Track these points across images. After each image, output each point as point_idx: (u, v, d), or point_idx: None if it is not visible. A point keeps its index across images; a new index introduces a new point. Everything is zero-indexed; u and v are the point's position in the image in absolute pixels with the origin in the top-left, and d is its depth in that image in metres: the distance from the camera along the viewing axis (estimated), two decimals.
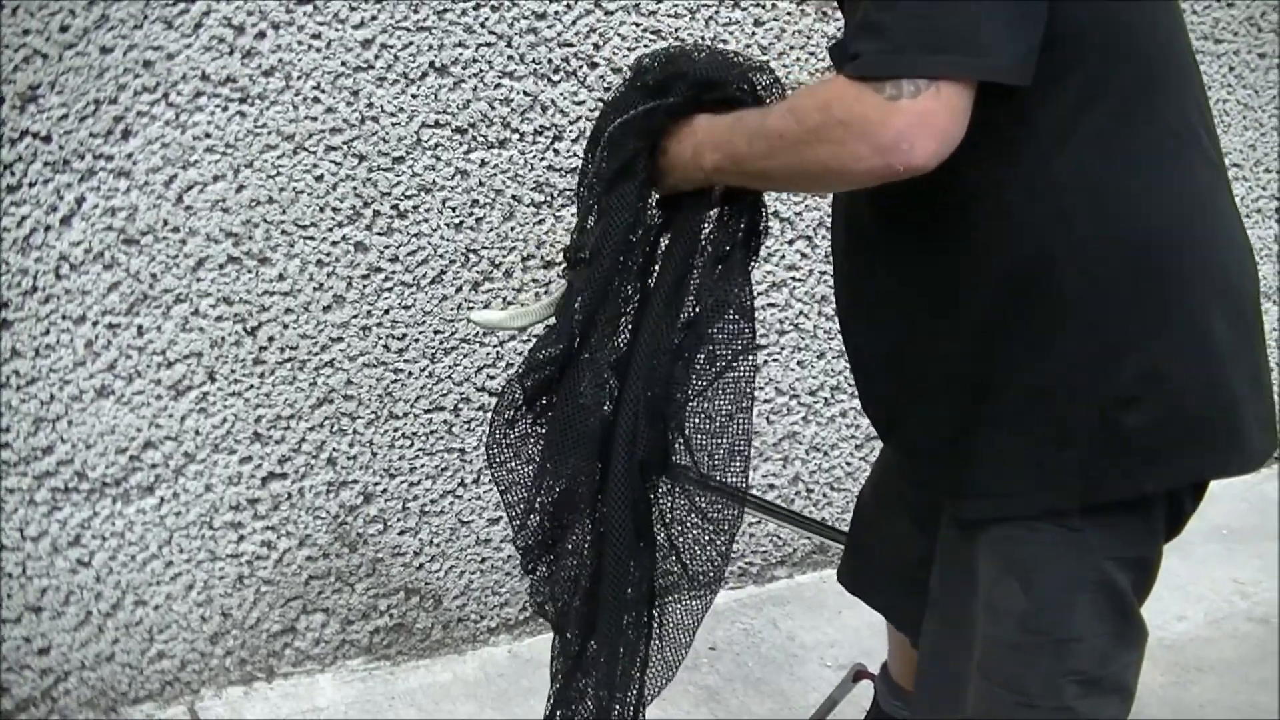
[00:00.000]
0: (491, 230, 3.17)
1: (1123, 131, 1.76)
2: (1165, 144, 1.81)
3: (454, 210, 3.14)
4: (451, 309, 3.19)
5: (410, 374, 3.21)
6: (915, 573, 2.22)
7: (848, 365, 2.21)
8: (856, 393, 2.22)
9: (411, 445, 3.27)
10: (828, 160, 1.67)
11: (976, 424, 1.92)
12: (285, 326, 3.04)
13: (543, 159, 3.19)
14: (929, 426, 2.00)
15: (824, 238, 3.57)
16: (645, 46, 3.22)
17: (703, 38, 3.29)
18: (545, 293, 2.21)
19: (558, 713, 2.27)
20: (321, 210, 3.00)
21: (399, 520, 3.31)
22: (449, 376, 3.25)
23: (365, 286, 3.10)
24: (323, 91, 2.93)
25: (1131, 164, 1.77)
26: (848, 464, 3.88)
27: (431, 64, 3.02)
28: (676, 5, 3.29)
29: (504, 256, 3.21)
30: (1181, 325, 1.82)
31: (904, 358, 1.96)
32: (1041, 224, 1.76)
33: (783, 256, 3.57)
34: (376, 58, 2.96)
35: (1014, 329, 1.83)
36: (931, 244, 1.85)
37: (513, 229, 3.20)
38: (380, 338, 3.14)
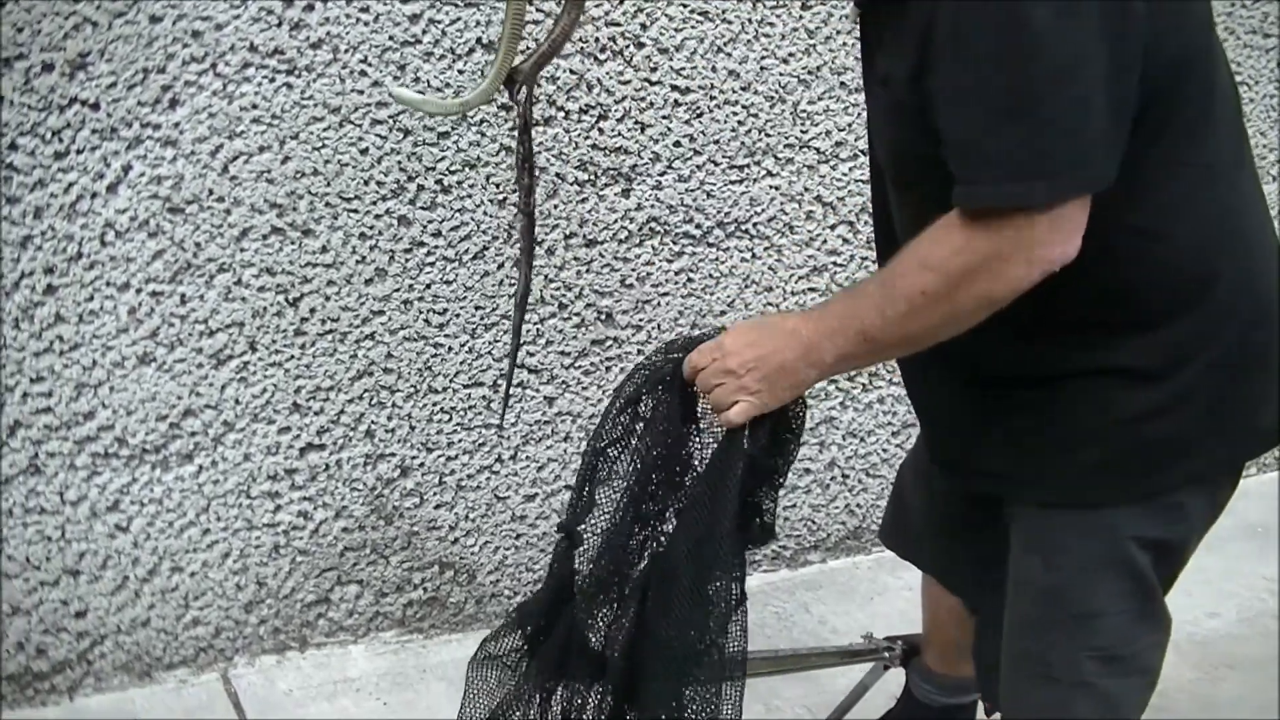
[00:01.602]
0: (536, 209, 3.17)
1: (1174, 169, 1.79)
2: (1211, 173, 1.84)
3: (498, 186, 3.14)
4: (494, 285, 3.19)
5: (450, 349, 3.21)
6: (954, 532, 2.33)
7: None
8: (896, 380, 2.26)
9: (450, 420, 3.27)
10: (988, 294, 1.70)
11: (1003, 415, 1.98)
12: (327, 299, 3.05)
13: (587, 138, 3.19)
14: (958, 414, 2.04)
15: (865, 223, 3.56)
16: (693, 27, 3.21)
17: (749, 20, 3.28)
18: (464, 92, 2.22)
19: None
20: (366, 183, 3.01)
21: (435, 494, 3.32)
22: (489, 352, 3.26)
23: (408, 260, 3.10)
24: (370, 65, 2.94)
25: (1179, 202, 1.81)
26: (884, 450, 3.87)
27: (478, 40, 3.02)
28: None
29: (547, 234, 3.21)
30: (1220, 346, 1.86)
31: (946, 352, 1.94)
32: (1105, 261, 1.77)
33: (824, 241, 3.56)
34: (424, 32, 2.96)
35: (1059, 341, 1.87)
36: None
37: (556, 206, 3.20)
38: (421, 312, 3.14)
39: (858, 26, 2.10)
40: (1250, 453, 2.03)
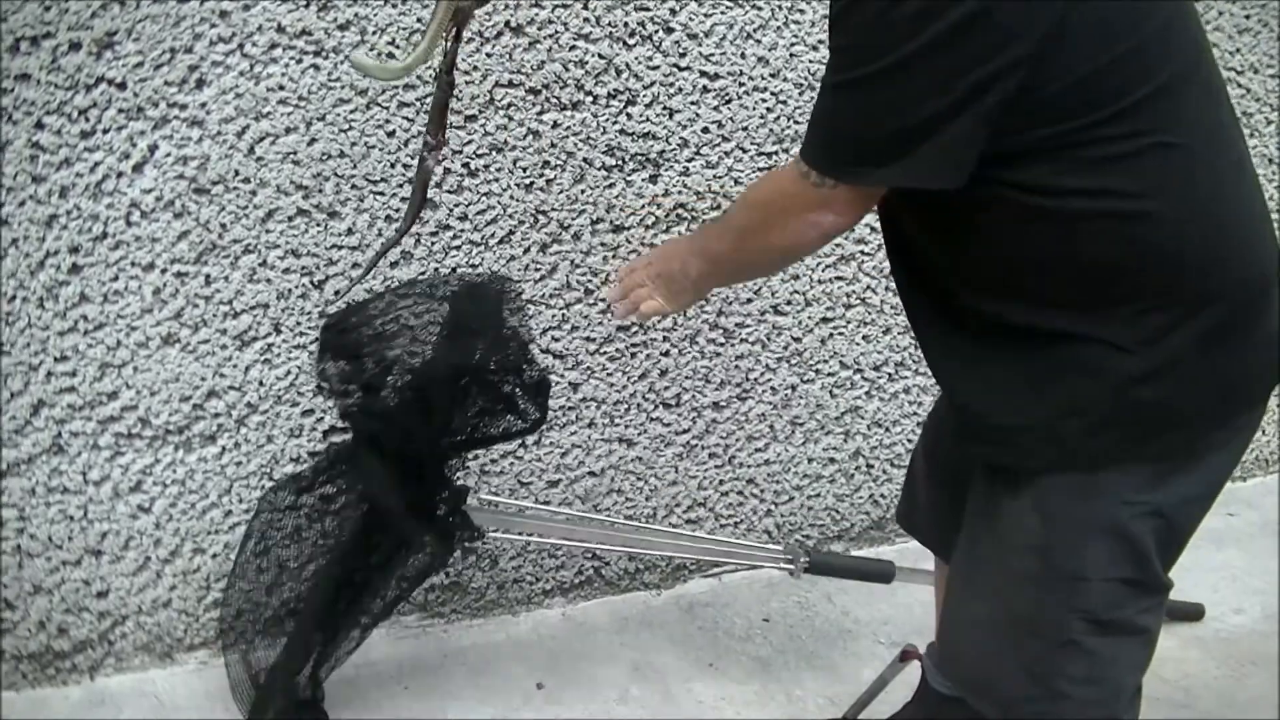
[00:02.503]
0: (561, 192, 3.16)
1: (1147, 149, 1.84)
2: (1189, 155, 1.88)
3: (524, 170, 3.13)
4: (519, 270, 3.18)
5: None
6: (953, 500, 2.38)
7: (914, 341, 2.30)
8: (922, 370, 2.33)
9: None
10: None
11: (1006, 379, 2.03)
12: (352, 281, 3.04)
13: (615, 123, 3.18)
14: (966, 377, 2.12)
15: None
16: (722, 13, 3.20)
17: (779, 6, 3.26)
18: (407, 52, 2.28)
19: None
20: (392, 166, 3.00)
21: (458, 479, 3.31)
22: None
23: (433, 244, 3.09)
24: (397, 47, 2.92)
25: (1154, 181, 1.86)
26: (909, 440, 3.85)
27: (507, 23, 3.00)
28: None
29: (573, 219, 3.20)
30: (1205, 319, 1.90)
31: (953, 322, 2.08)
32: (1109, 236, 1.87)
33: (852, 230, 3.54)
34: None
35: (1048, 310, 1.93)
36: (1022, 238, 1.92)
37: (583, 192, 3.19)
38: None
39: None
40: (1237, 414, 2.06)
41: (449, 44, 2.29)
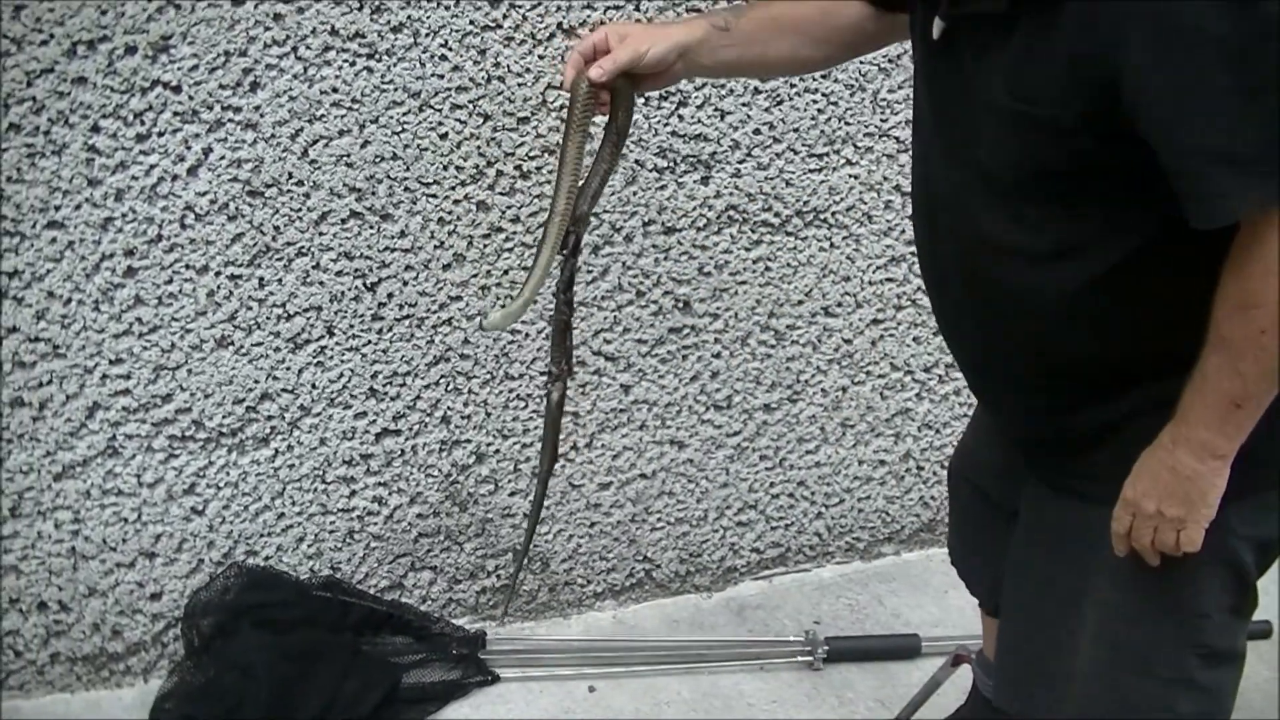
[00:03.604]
0: (613, 194, 3.15)
1: None
2: None
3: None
4: None
5: (527, 335, 3.20)
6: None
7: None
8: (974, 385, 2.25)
9: (525, 407, 3.26)
10: None
11: (1120, 423, 1.96)
12: (405, 283, 3.04)
13: (666, 124, 3.17)
14: (1064, 413, 2.01)
15: None
16: None
17: None
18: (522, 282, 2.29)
19: None
20: (445, 168, 3.00)
21: (510, 481, 3.31)
22: None
23: (486, 246, 3.09)
24: (450, 49, 2.92)
25: None
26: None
27: (559, 25, 3.00)
28: None
29: (625, 221, 3.19)
30: None
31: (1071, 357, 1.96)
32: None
33: (903, 230, 3.53)
34: (504, 17, 2.94)
35: (1182, 345, 1.83)
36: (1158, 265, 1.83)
37: (635, 194, 3.18)
38: (499, 298, 3.13)
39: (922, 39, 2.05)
40: None
41: (564, 260, 2.19)
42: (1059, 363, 1.96)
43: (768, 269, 3.40)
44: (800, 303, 3.47)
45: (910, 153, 2.20)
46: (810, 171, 3.36)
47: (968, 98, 1.88)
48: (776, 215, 3.36)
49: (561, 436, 3.23)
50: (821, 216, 3.42)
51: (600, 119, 2.17)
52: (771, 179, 3.32)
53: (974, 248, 1.96)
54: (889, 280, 3.57)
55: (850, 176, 3.41)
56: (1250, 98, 1.58)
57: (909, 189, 3.44)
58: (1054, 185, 1.80)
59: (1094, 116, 1.68)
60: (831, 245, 3.45)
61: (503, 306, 2.16)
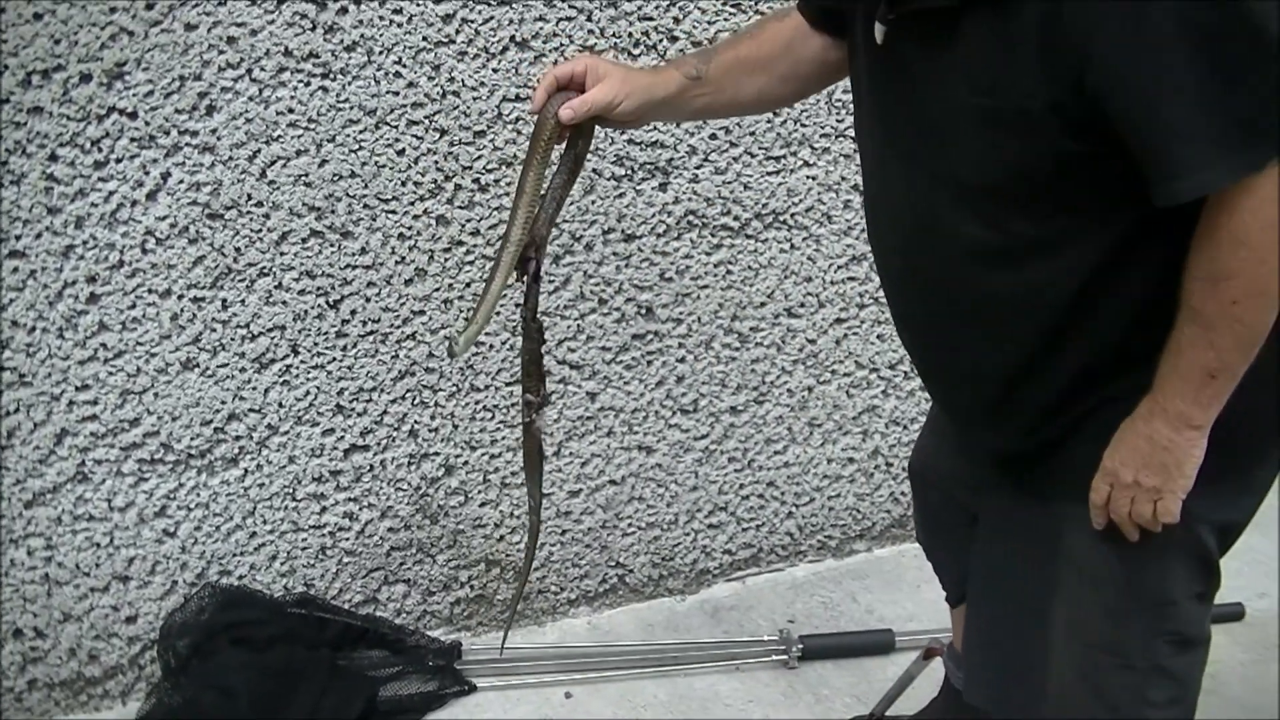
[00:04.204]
0: (572, 204, 3.17)
1: None
2: None
3: None
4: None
5: (491, 346, 3.22)
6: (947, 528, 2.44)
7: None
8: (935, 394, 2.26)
9: (492, 418, 3.28)
10: None
11: (1088, 415, 1.97)
12: (367, 300, 3.06)
13: (623, 132, 3.18)
14: (1034, 425, 2.03)
15: None
16: (725, 19, 3.21)
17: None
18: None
19: None
20: (403, 184, 3.02)
21: (480, 492, 3.33)
22: None
23: (447, 260, 3.11)
24: (404, 66, 2.94)
25: None
26: None
27: (512, 38, 3.02)
28: None
29: (585, 229, 3.21)
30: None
31: (1038, 366, 1.97)
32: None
33: (862, 229, 3.53)
34: (457, 32, 2.96)
35: (1146, 340, 1.86)
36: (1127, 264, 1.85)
37: (593, 202, 3.20)
38: (462, 310, 3.15)
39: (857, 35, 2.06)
40: None
41: (527, 286, 2.18)
42: (1032, 366, 1.97)
43: (729, 272, 3.42)
44: (763, 305, 3.49)
45: (860, 166, 2.20)
46: (768, 174, 3.38)
47: (923, 102, 1.88)
48: (736, 219, 3.38)
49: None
50: (781, 218, 3.44)
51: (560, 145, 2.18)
52: (730, 183, 3.34)
53: (947, 257, 1.96)
54: (851, 279, 3.59)
55: (808, 178, 3.43)
56: (1213, 73, 1.60)
57: None
58: (1026, 184, 1.80)
59: (1062, 106, 1.69)
60: (792, 246, 3.47)
61: (459, 332, 2.16)
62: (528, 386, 2.22)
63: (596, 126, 2.19)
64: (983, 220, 1.88)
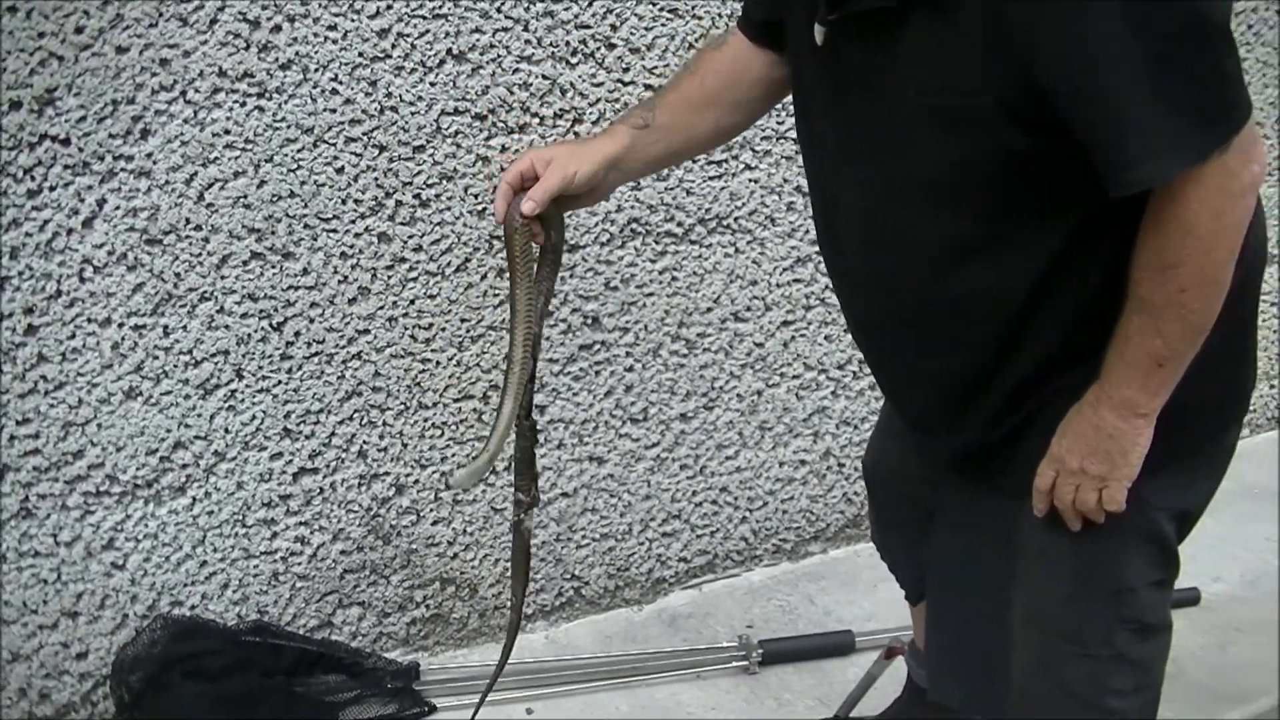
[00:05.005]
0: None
1: None
2: None
3: (476, 197, 3.11)
4: (477, 296, 3.17)
5: (438, 363, 3.19)
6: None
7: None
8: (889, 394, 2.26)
9: (442, 435, 3.25)
10: (1238, 224, 1.73)
11: (1040, 408, 1.98)
12: (311, 321, 3.02)
13: (563, 142, 3.16)
14: (992, 423, 2.03)
15: None
16: (663, 25, 3.20)
17: (719, 15, 3.26)
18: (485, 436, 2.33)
19: None
20: (344, 202, 2.98)
21: (432, 510, 3.30)
22: (477, 364, 3.23)
23: (390, 277, 3.07)
24: (340, 83, 2.90)
25: None
26: None
27: (449, 51, 2.99)
28: None
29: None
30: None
31: (994, 367, 1.98)
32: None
33: (807, 231, 3.55)
34: (393, 47, 2.93)
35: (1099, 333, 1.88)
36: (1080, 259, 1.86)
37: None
38: (407, 328, 3.12)
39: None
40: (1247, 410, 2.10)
41: (525, 384, 2.20)
42: (989, 364, 1.97)
43: (674, 279, 3.40)
44: (709, 310, 3.48)
45: (805, 173, 2.19)
46: (710, 179, 3.36)
47: (870, 103, 1.88)
48: (679, 225, 3.37)
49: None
50: (724, 223, 3.43)
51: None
52: (672, 189, 3.32)
53: (902, 258, 1.96)
54: (796, 281, 3.58)
55: (751, 181, 3.42)
56: (1160, 62, 1.60)
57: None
58: (977, 182, 1.81)
59: (1009, 102, 1.70)
60: (737, 250, 3.46)
61: (469, 462, 2.16)
62: (519, 486, 2.30)
63: (567, 213, 2.19)
64: (935, 219, 1.88)
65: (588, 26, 3.12)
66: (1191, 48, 1.62)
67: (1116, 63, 1.61)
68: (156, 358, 2.90)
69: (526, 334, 2.15)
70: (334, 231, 2.99)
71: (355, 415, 3.14)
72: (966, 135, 1.76)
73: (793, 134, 3.40)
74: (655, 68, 3.22)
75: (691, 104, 2.21)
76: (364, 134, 2.96)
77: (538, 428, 2.28)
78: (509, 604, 2.47)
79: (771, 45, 2.18)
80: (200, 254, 2.88)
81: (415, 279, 3.10)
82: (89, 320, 2.82)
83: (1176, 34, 1.60)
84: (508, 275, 2.16)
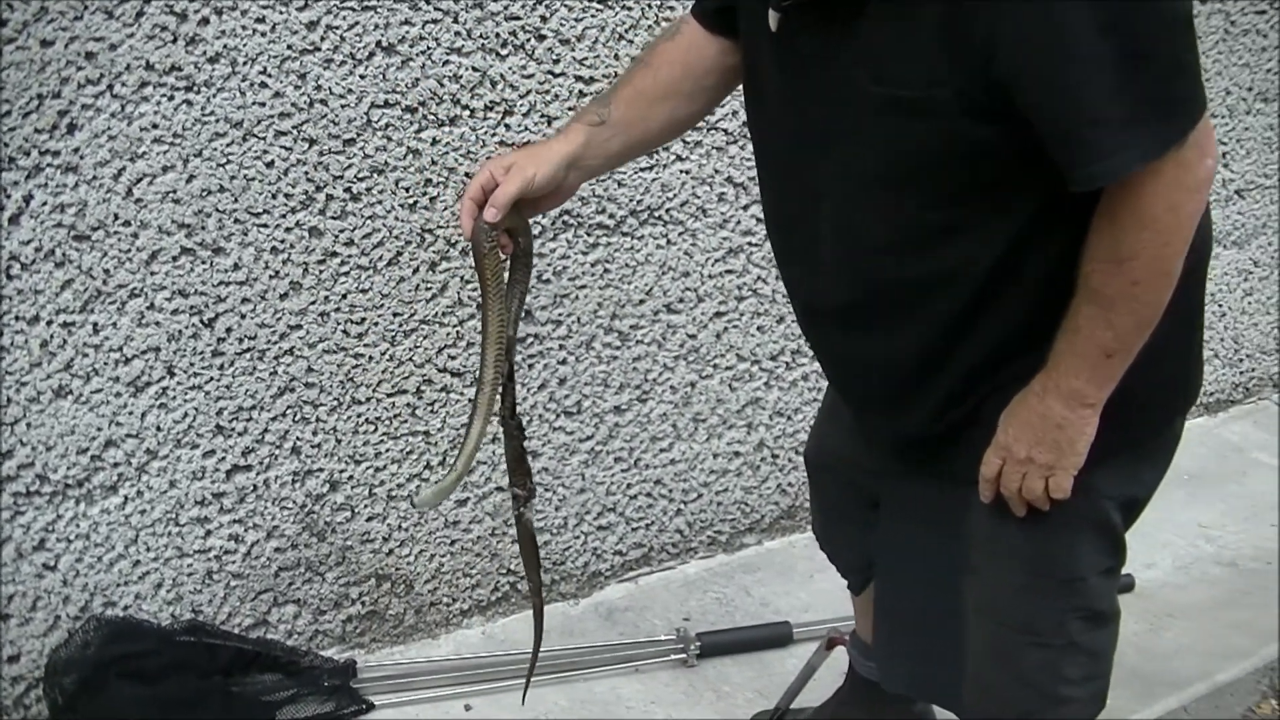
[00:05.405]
0: (446, 209, 3.13)
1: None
2: None
3: (407, 190, 3.10)
4: (409, 290, 3.15)
5: (371, 358, 3.17)
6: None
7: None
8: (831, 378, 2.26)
9: (375, 430, 3.23)
10: (1193, 215, 1.76)
11: (989, 396, 1.99)
12: (243, 316, 2.99)
13: (494, 134, 3.16)
14: (942, 409, 2.04)
15: None
16: (593, 16, 3.19)
17: (649, 5, 3.26)
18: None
19: None
20: (274, 197, 2.96)
21: (366, 507, 3.28)
22: (410, 359, 3.22)
23: (321, 272, 3.05)
24: (269, 76, 2.88)
25: None
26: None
27: (378, 43, 2.97)
28: None
29: (460, 235, 3.17)
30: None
31: (944, 352, 1.99)
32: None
33: (739, 222, 3.56)
34: (322, 39, 2.91)
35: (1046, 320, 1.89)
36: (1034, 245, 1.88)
37: None
38: (339, 323, 3.10)
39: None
40: (1195, 401, 2.13)
41: (503, 386, 2.19)
42: (941, 352, 1.99)
43: (606, 271, 3.40)
44: (642, 302, 3.48)
45: (756, 159, 2.19)
46: (641, 170, 3.36)
47: (826, 92, 1.88)
48: (611, 216, 3.36)
49: (414, 457, 3.22)
50: (656, 214, 3.43)
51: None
52: (603, 180, 3.32)
53: (858, 246, 1.97)
54: (729, 272, 3.59)
55: (682, 172, 3.43)
56: (1122, 55, 1.61)
57: (740, 181, 3.47)
58: (933, 170, 1.82)
59: (968, 94, 1.70)
60: (668, 242, 3.46)
61: (436, 482, 2.15)
62: (515, 481, 2.29)
63: (531, 218, 2.19)
64: (891, 208, 1.89)
65: (517, 18, 3.11)
66: (1153, 37, 1.63)
67: (1079, 55, 1.62)
68: (86, 355, 2.87)
69: (498, 355, 2.14)
70: (265, 226, 2.96)
71: (288, 411, 3.11)
72: (920, 125, 1.77)
73: (724, 124, 3.41)
74: (585, 59, 3.21)
75: (646, 97, 2.20)
76: (294, 127, 2.94)
77: (524, 426, 2.27)
78: (528, 591, 2.49)
79: (726, 32, 2.17)
80: (129, 250, 2.84)
81: (347, 273, 3.08)
82: (16, 318, 2.78)
83: (1139, 24, 1.62)
84: (479, 292, 2.17)
